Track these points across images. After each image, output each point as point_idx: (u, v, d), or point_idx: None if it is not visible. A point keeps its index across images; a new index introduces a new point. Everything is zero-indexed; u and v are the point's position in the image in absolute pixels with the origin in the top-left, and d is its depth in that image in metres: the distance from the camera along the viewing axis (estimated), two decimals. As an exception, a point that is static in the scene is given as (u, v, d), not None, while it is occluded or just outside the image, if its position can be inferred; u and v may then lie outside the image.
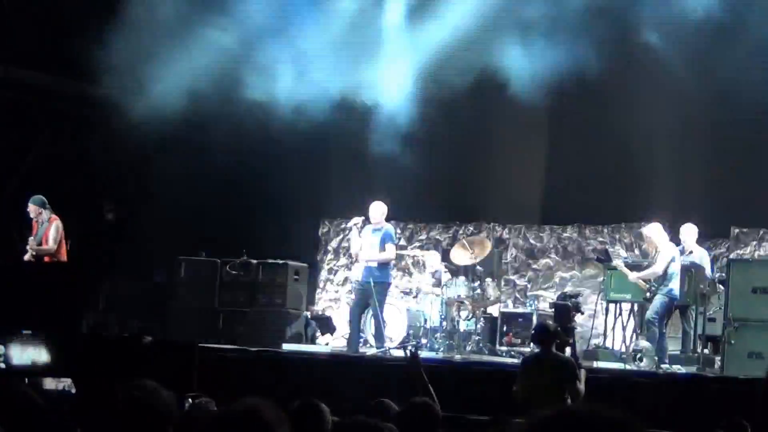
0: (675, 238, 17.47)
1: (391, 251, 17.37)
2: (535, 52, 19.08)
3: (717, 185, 19.31)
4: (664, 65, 19.17)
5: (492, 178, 21.38)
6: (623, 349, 17.52)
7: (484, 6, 19.47)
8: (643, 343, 16.61)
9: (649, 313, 16.42)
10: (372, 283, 16.99)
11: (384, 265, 17.33)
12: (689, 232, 17.44)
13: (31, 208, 17.80)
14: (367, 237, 17.25)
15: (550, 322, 13.66)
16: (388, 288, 17.62)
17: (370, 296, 17.14)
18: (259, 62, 20.03)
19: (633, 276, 16.66)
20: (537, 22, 19.51)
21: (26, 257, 17.58)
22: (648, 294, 16.41)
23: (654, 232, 16.65)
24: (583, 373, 12.39)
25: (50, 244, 17.52)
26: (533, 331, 13.61)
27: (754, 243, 19.43)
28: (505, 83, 19.09)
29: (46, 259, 17.59)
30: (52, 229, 17.72)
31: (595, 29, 18.55)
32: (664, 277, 16.27)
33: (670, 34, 19.07)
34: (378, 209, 17.40)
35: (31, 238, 17.62)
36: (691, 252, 17.27)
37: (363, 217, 17.44)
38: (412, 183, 20.80)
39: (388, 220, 17.59)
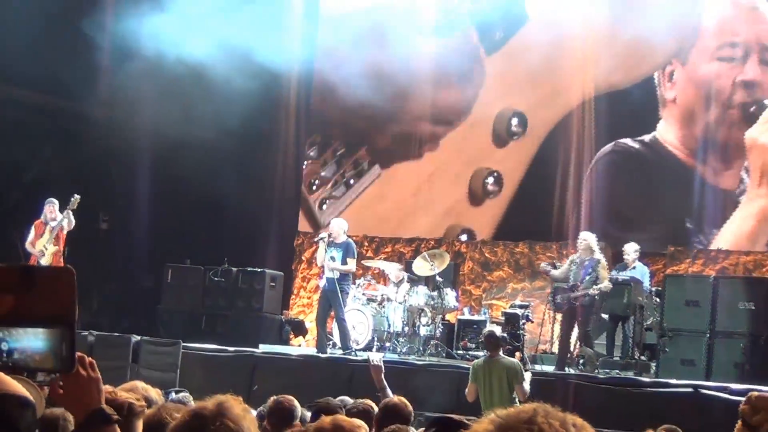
0: (619, 256, 17.60)
1: (352, 264, 17.53)
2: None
3: (654, 208, 19.44)
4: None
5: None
6: (568, 355, 17.56)
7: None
8: (586, 350, 16.63)
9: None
10: (335, 291, 17.15)
11: (345, 276, 17.44)
12: (631, 249, 17.49)
13: (49, 209, 17.68)
14: (331, 250, 17.35)
15: (498, 330, 13.72)
16: (347, 295, 17.74)
17: (333, 302, 17.34)
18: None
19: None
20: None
21: (45, 260, 17.35)
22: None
23: (592, 238, 16.63)
24: (528, 376, 12.46)
25: (59, 245, 17.49)
26: (483, 338, 13.62)
27: (688, 261, 19.48)
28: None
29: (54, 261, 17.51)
30: (65, 223, 17.64)
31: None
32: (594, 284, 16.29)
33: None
34: (339, 225, 17.60)
35: (40, 241, 17.54)
36: (634, 267, 17.31)
37: (328, 233, 17.56)
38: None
39: (354, 234, 17.67)
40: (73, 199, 17.35)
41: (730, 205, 19.09)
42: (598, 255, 16.36)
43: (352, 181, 22.65)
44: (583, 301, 16.19)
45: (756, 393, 4.50)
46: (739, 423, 4.41)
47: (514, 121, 20.95)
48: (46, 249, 17.43)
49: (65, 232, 17.55)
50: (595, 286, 16.03)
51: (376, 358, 7.89)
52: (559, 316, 17.37)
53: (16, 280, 2.50)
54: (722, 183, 19.04)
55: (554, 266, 17.17)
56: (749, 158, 18.87)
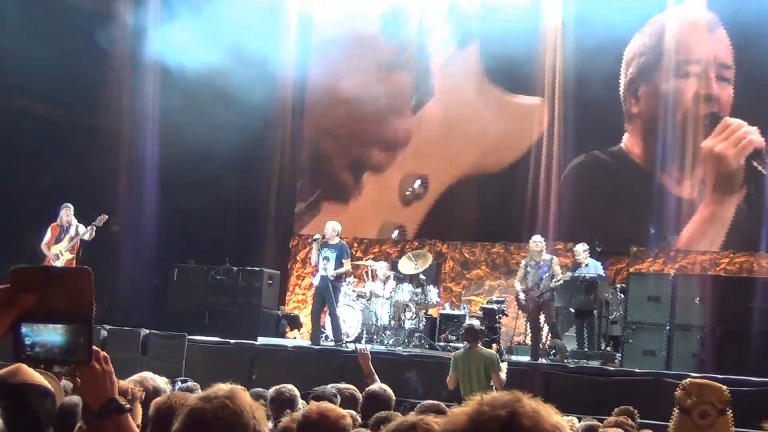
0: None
1: (347, 264, 17.54)
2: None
3: (619, 213, 19.50)
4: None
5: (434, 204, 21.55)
6: (540, 346, 17.58)
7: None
8: (557, 342, 16.65)
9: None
10: (328, 288, 17.17)
11: (339, 275, 17.47)
12: (581, 249, 17.51)
13: (65, 213, 17.60)
14: (325, 251, 17.36)
15: (477, 323, 13.73)
16: (340, 293, 17.81)
17: (326, 299, 17.31)
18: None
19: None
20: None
21: (59, 263, 17.11)
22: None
23: (543, 240, 16.74)
24: (504, 365, 12.48)
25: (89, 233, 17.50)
26: (463, 331, 13.63)
27: (650, 260, 19.52)
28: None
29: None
30: (81, 229, 17.61)
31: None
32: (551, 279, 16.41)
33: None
34: (332, 228, 17.58)
35: (57, 245, 17.51)
36: (587, 264, 17.34)
37: (322, 234, 17.57)
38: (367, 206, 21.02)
39: (346, 236, 17.71)
40: (100, 218, 17.35)
41: (689, 211, 19.11)
42: (549, 254, 16.52)
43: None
44: (546, 297, 16.27)
45: (689, 379, 4.54)
46: (676, 408, 4.43)
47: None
48: (62, 255, 17.37)
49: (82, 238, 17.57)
50: (554, 280, 16.14)
51: (362, 347, 7.95)
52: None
53: (38, 279, 2.53)
54: (682, 191, 19.06)
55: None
56: (706, 167, 18.90)
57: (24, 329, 2.53)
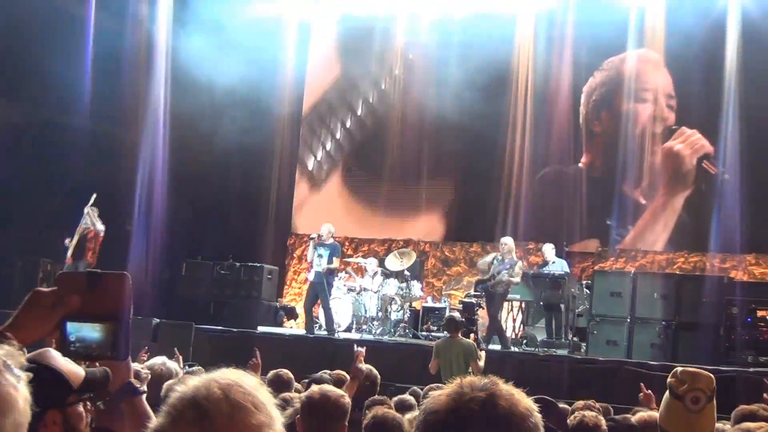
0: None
1: (336, 262, 17.54)
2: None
3: (582, 210, 19.66)
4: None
5: (417, 207, 21.56)
6: (513, 336, 17.62)
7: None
8: (529, 331, 16.67)
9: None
10: (322, 283, 17.17)
11: (330, 271, 17.46)
12: (548, 248, 17.69)
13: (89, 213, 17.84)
14: (319, 249, 17.39)
15: (458, 315, 13.72)
16: (332, 287, 17.79)
17: (319, 293, 17.30)
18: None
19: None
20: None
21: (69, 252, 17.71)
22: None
23: (511, 242, 16.77)
24: (483, 354, 12.47)
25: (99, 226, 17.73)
26: (445, 321, 13.62)
27: (612, 259, 19.62)
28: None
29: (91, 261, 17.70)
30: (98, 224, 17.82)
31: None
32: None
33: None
34: (326, 229, 17.61)
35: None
36: (553, 263, 17.42)
37: (318, 234, 17.58)
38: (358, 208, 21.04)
39: (338, 236, 17.76)
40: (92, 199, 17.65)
41: (643, 208, 19.57)
42: (516, 258, 16.53)
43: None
44: (499, 290, 16.26)
45: (680, 368, 4.54)
46: (667, 394, 4.43)
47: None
48: (70, 242, 17.61)
49: (99, 235, 17.72)
50: (507, 276, 16.14)
51: (360, 350, 8.08)
52: (506, 304, 17.49)
53: (82, 283, 2.61)
54: (637, 194, 19.48)
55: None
56: (664, 164, 19.44)
57: (69, 327, 2.59)
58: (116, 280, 2.65)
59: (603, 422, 5.90)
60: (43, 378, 2.63)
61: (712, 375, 4.43)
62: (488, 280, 16.29)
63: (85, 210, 17.78)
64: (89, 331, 2.60)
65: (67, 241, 17.82)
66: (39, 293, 2.58)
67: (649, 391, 7.46)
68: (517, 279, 16.28)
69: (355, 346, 8.42)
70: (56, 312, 2.55)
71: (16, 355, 2.10)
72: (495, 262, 16.49)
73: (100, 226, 17.79)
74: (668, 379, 4.44)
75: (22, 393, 2.02)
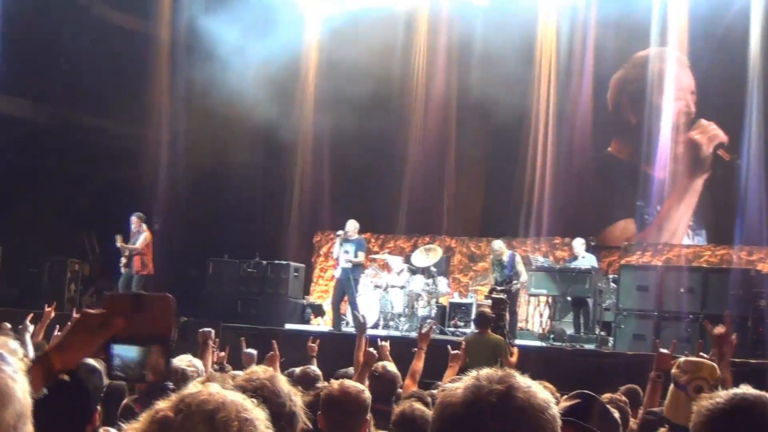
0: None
1: (361, 257, 17.70)
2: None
3: (612, 208, 19.68)
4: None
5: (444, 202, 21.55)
6: (541, 331, 17.61)
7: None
8: (556, 326, 16.65)
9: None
10: (348, 279, 17.23)
11: (356, 267, 17.58)
12: (578, 243, 17.74)
13: (134, 221, 18.13)
14: (345, 245, 17.50)
15: (489, 311, 13.68)
16: (358, 283, 17.90)
17: (346, 289, 17.38)
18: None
19: None
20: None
21: (122, 261, 18.35)
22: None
23: (499, 243, 16.92)
24: (515, 350, 12.40)
25: (139, 246, 18.21)
26: (476, 316, 13.59)
27: (639, 252, 19.59)
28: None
29: (139, 269, 18.14)
30: (142, 238, 18.28)
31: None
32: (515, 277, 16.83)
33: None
34: (352, 225, 17.71)
35: (122, 245, 18.22)
36: (583, 257, 17.43)
37: (343, 231, 17.62)
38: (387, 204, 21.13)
39: (364, 232, 17.82)
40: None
41: (668, 189, 19.84)
42: (509, 253, 16.96)
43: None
44: (513, 290, 16.63)
45: (683, 359, 4.55)
46: (672, 385, 4.44)
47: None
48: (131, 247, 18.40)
49: (143, 240, 18.40)
50: (515, 281, 16.66)
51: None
52: (533, 300, 17.53)
53: (128, 305, 2.64)
54: (662, 176, 19.75)
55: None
56: (686, 150, 19.75)
57: (114, 349, 2.63)
58: (160, 303, 2.68)
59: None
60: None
61: (715, 364, 4.42)
62: (504, 286, 16.47)
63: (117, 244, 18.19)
64: (135, 353, 2.63)
65: (118, 239, 18.18)
66: (87, 315, 2.62)
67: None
68: (524, 278, 16.87)
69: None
70: (102, 334, 2.58)
71: (8, 345, 2.10)
72: (497, 268, 16.79)
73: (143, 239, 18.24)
74: (672, 371, 4.44)
75: (20, 383, 2.01)
